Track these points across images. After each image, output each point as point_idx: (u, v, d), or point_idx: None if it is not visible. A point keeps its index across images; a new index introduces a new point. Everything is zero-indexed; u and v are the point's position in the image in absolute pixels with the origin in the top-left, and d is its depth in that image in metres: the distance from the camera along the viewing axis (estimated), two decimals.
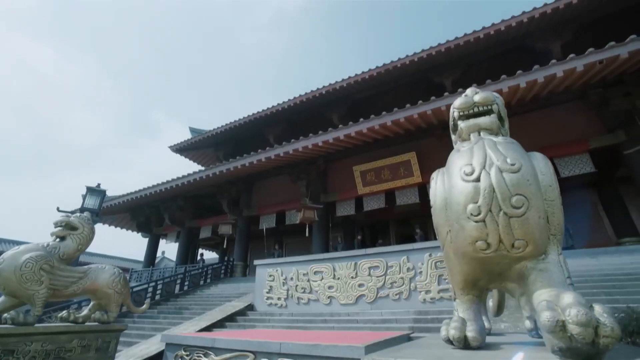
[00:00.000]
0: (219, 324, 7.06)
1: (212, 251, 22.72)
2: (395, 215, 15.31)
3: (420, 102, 8.96)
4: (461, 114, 2.23)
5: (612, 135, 8.94)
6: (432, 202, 1.87)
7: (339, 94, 15.26)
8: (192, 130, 19.10)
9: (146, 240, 18.19)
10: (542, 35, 11.77)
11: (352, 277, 7.11)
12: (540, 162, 1.68)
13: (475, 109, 2.19)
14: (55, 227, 4.82)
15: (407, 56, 13.01)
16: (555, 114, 9.56)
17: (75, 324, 4.76)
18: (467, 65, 13.14)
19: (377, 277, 6.84)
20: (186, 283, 11.53)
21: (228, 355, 4.25)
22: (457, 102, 2.25)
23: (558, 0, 10.59)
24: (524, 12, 10.98)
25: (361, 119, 10.01)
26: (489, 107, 2.17)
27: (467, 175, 1.61)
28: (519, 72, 7.69)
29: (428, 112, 8.76)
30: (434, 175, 1.95)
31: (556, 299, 1.19)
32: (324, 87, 14.83)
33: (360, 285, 6.97)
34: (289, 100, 15.65)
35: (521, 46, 12.14)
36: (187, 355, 4.68)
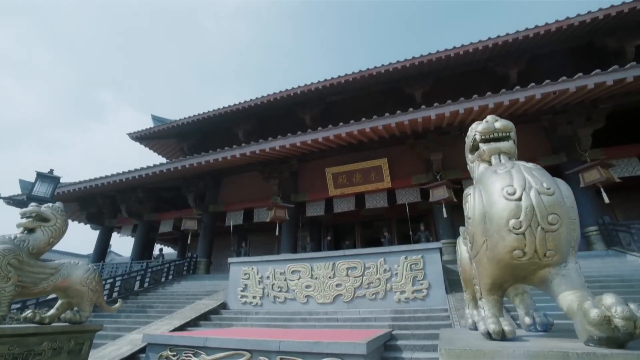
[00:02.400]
0: (193, 323, 6.87)
1: (169, 246, 21.60)
2: (361, 218, 15.89)
3: (398, 112, 9.48)
4: (483, 137, 2.56)
5: (556, 157, 10.25)
6: (470, 215, 2.14)
7: (313, 95, 15.45)
8: (155, 118, 18.02)
9: (91, 232, 16.79)
10: (502, 61, 13.05)
11: (330, 277, 7.35)
12: (563, 186, 2.03)
13: (495, 134, 2.54)
14: (23, 217, 4.42)
15: (382, 65, 13.60)
16: None
17: (41, 324, 4.40)
18: (437, 79, 14.09)
19: (354, 277, 7.15)
20: (147, 280, 10.92)
21: (221, 354, 4.23)
22: (480, 127, 2.57)
23: (518, 32, 11.84)
24: (489, 38, 12.09)
25: (340, 123, 10.30)
26: (508, 134, 2.53)
27: (509, 195, 1.90)
28: (488, 93, 8.52)
29: (405, 122, 9.30)
30: (470, 191, 2.22)
31: (598, 299, 1.50)
32: (298, 87, 14.92)
33: (337, 285, 7.23)
34: (262, 97, 15.49)
35: (484, 68, 13.33)
36: (173, 356, 4.55)
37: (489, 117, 2.64)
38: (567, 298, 1.75)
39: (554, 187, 1.89)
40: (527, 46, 12.44)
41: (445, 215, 10.07)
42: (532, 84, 8.29)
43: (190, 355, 4.40)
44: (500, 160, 2.48)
